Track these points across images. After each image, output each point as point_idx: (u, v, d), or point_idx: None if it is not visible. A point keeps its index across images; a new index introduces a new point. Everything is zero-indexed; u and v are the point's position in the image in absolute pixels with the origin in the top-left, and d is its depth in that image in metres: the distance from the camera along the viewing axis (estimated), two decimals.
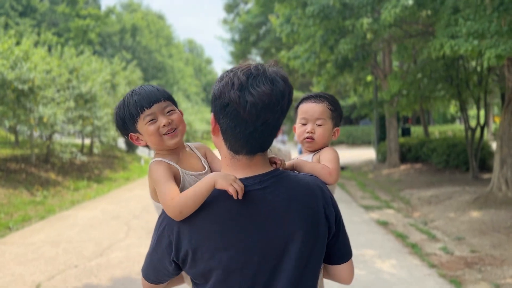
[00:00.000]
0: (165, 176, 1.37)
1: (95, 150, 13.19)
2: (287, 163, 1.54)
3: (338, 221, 1.40)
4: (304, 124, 1.65)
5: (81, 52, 15.11)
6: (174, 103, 1.53)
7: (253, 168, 1.31)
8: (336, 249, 1.41)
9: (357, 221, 7.71)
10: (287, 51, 10.93)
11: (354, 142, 30.58)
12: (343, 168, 16.80)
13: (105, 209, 9.29)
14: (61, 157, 11.72)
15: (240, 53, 18.26)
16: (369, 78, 18.23)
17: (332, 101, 1.67)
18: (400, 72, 9.16)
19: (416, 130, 23.13)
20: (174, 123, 1.47)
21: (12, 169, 11.89)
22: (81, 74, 13.21)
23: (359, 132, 31.01)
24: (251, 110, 1.20)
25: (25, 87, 10.15)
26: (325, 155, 1.58)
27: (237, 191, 1.22)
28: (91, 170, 14.61)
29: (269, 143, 1.32)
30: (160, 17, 46.83)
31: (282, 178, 1.32)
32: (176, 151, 1.51)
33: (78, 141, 17.28)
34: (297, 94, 31.64)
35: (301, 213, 1.29)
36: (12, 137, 13.37)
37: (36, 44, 12.85)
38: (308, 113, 1.63)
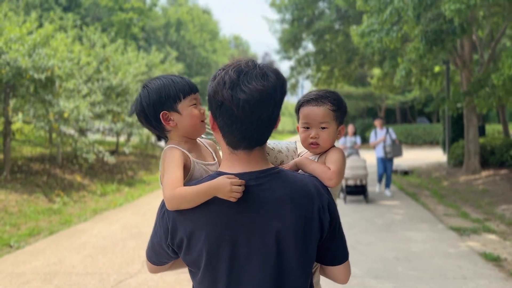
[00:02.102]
0: (176, 163, 1.40)
1: (126, 150, 11.72)
2: (291, 162, 1.54)
3: (333, 226, 1.35)
4: (307, 128, 1.58)
5: (113, 40, 13.73)
6: None
7: (252, 163, 1.31)
8: (330, 252, 1.38)
9: (453, 254, 5.61)
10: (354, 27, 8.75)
11: (414, 142, 27.58)
12: (407, 173, 14.48)
13: (128, 223, 7.70)
14: (85, 158, 10.28)
15: (291, 37, 15.90)
16: (437, 69, 15.81)
17: (334, 99, 1.57)
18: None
19: (487, 129, 20.28)
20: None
21: (34, 170, 10.62)
22: (111, 65, 11.77)
23: (419, 131, 27.95)
24: (244, 107, 1.21)
25: (42, 76, 8.75)
26: (330, 156, 1.53)
27: (238, 193, 1.25)
28: (124, 171, 13.22)
29: (267, 136, 1.33)
30: (206, 12, 45.66)
31: (279, 176, 1.32)
32: (191, 141, 1.53)
33: (110, 139, 16.02)
34: (349, 89, 29.23)
35: (293, 214, 1.28)
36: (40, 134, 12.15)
37: (60, 28, 11.53)
38: (310, 118, 1.56)
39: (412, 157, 19.22)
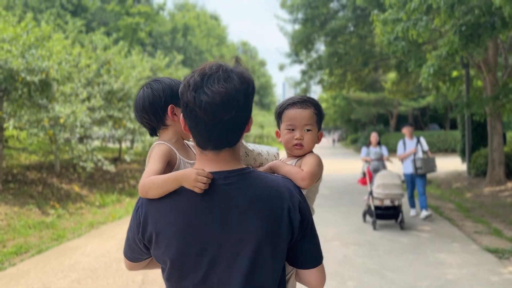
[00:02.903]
0: (160, 157, 1.46)
1: (127, 158, 11.03)
2: (266, 165, 1.56)
3: (304, 226, 1.35)
4: (291, 130, 1.61)
5: (116, 42, 13.12)
6: None
7: (221, 163, 1.33)
8: (302, 253, 1.38)
9: (497, 283, 4.83)
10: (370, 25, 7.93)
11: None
12: None
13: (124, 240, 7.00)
14: (83, 167, 9.62)
15: (304, 38, 14.95)
16: (455, 73, 15.02)
17: (316, 105, 1.65)
18: None
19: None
20: None
21: (30, 179, 9.99)
22: (113, 68, 11.14)
23: (434, 138, 26.89)
24: (206, 109, 1.24)
25: (36, 79, 8.13)
26: (306, 159, 1.57)
27: (204, 184, 1.27)
28: (126, 180, 12.55)
29: (235, 138, 1.33)
30: (214, 18, 45.12)
31: (249, 176, 1.33)
32: (180, 141, 1.60)
33: (113, 145, 15.40)
34: (360, 95, 28.41)
35: (263, 213, 1.29)
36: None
37: (59, 29, 10.94)
38: (296, 120, 1.60)
39: None
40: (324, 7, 13.42)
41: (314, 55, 15.96)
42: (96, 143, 10.30)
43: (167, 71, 16.01)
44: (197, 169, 1.29)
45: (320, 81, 16.92)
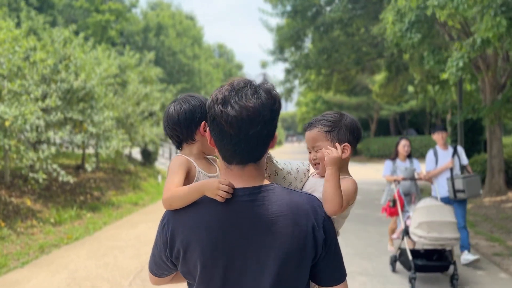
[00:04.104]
0: (178, 168, 1.50)
1: (88, 167, 9.63)
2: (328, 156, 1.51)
3: (328, 244, 1.33)
4: (310, 152, 1.66)
5: (76, 34, 11.70)
6: None
7: (246, 179, 1.33)
8: (325, 271, 1.36)
9: None
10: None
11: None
12: None
13: (79, 270, 5.67)
14: (34, 178, 8.18)
15: (293, 34, 13.45)
16: (444, 75, 14.25)
17: (327, 120, 1.60)
18: None
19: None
20: None
21: None
22: (73, 64, 9.76)
23: (416, 143, 25.89)
24: (232, 123, 1.25)
25: None
26: (342, 185, 1.46)
27: (225, 192, 1.28)
28: (89, 191, 11.13)
29: (260, 153, 1.33)
30: (191, 18, 43.64)
31: (273, 193, 1.32)
32: (202, 155, 1.65)
33: (78, 151, 13.91)
34: (341, 99, 27.59)
35: (286, 230, 1.28)
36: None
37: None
38: (307, 142, 1.66)
39: None
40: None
41: (301, 52, 14.70)
42: (52, 150, 8.86)
43: (138, 69, 14.64)
44: (218, 179, 1.31)
45: (305, 81, 15.81)
